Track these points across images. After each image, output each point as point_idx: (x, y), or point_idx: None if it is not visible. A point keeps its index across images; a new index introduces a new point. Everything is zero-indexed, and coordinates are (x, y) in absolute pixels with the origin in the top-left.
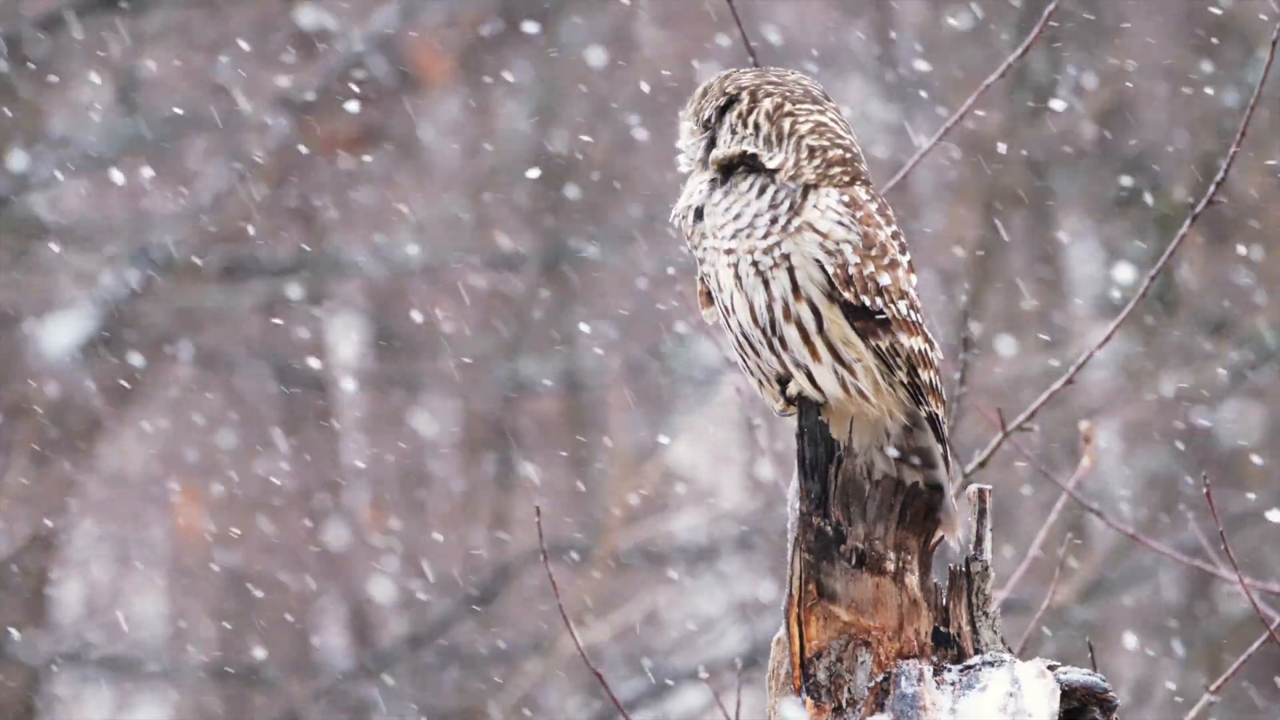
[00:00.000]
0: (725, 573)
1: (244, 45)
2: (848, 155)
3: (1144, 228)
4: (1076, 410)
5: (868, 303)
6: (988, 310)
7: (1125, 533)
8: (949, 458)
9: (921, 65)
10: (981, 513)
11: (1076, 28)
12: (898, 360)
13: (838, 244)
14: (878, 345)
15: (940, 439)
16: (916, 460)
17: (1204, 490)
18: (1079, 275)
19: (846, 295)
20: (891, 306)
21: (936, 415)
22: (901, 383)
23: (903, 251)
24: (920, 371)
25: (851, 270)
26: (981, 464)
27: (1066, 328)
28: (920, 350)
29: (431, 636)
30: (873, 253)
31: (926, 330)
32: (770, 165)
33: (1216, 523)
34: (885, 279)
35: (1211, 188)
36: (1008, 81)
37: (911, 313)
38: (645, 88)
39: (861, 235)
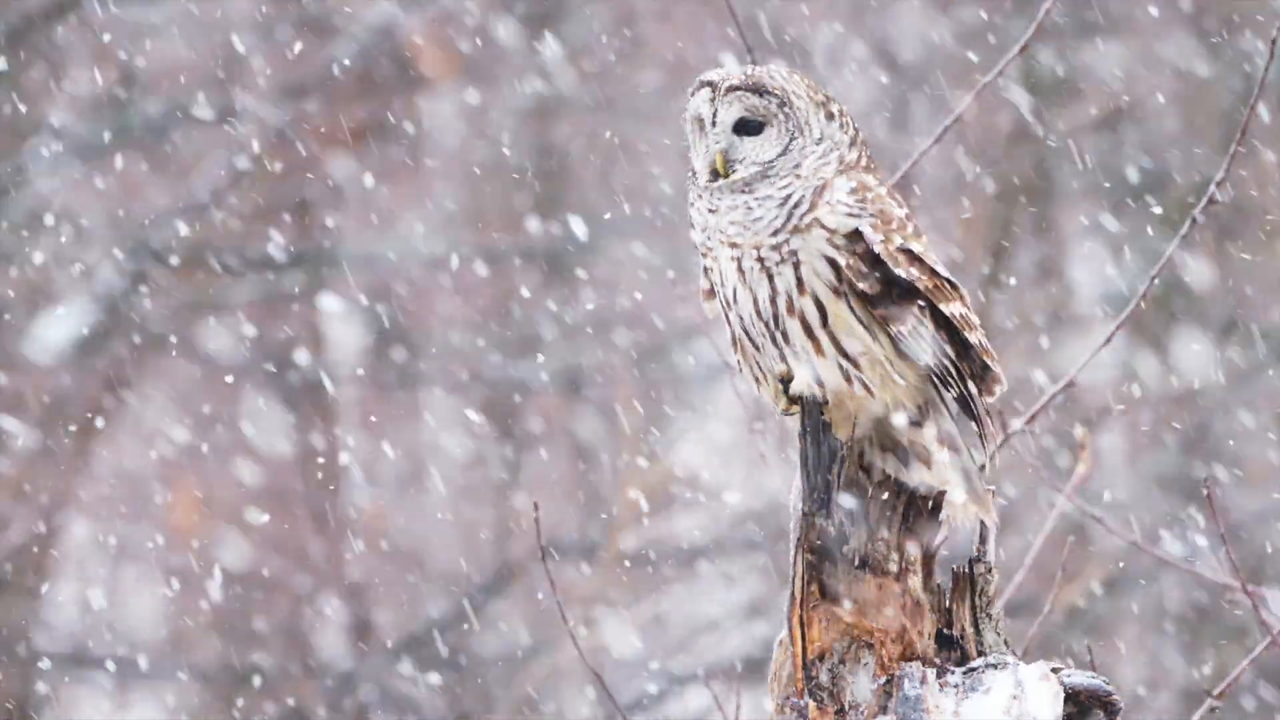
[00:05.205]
0: (728, 573)
1: (243, 37)
2: (866, 144)
3: (1149, 226)
4: (1080, 412)
5: (901, 274)
6: (991, 310)
7: (1125, 539)
8: (985, 436)
9: (920, 58)
10: None
11: (1081, 22)
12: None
13: (851, 234)
14: (899, 330)
15: (975, 417)
16: (927, 454)
17: (1204, 494)
18: (1081, 275)
19: (863, 286)
20: (929, 276)
21: (968, 394)
22: (928, 366)
23: (917, 233)
24: (968, 335)
25: (878, 248)
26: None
27: (1070, 327)
28: (961, 314)
29: (433, 636)
30: (893, 225)
31: (963, 293)
32: (811, 139)
33: (1218, 526)
34: (917, 246)
35: (1212, 186)
36: (1012, 75)
37: (947, 282)
38: (647, 81)
39: (877, 213)
